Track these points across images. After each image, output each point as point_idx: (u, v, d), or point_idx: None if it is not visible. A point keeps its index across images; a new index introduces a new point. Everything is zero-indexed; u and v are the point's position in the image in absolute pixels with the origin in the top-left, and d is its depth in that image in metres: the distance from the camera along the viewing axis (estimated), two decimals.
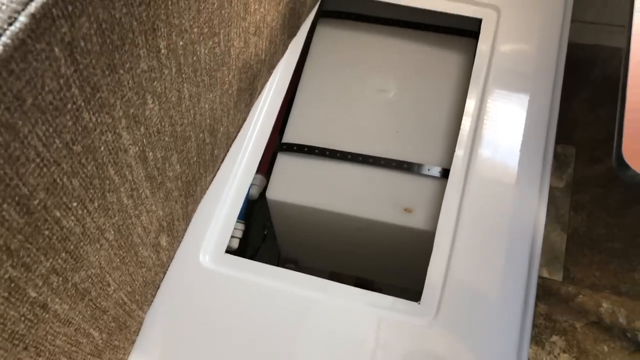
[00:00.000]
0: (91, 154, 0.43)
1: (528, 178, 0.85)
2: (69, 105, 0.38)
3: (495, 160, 0.86)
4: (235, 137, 0.88)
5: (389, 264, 1.01)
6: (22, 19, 0.31)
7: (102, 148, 0.44)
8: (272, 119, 0.92)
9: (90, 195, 0.45)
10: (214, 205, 0.83)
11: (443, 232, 0.81)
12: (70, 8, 0.33)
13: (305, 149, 0.96)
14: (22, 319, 0.42)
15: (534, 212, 0.82)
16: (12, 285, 0.39)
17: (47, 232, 0.41)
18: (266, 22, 0.75)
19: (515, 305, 0.75)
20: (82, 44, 0.36)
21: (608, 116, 1.31)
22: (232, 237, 0.88)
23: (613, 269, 1.14)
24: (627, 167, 0.52)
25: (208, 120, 0.69)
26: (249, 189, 0.92)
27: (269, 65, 0.88)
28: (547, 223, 1.21)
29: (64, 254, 0.45)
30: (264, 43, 0.77)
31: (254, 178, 0.95)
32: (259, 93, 0.91)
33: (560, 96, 0.94)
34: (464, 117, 0.90)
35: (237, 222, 0.88)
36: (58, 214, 0.41)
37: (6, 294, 0.39)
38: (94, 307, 0.55)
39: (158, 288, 0.76)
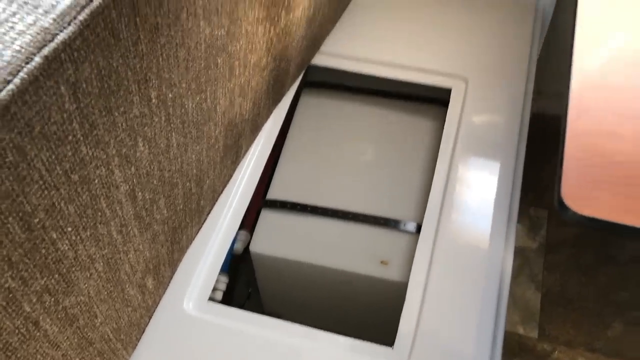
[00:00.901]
0: (86, 185, 0.49)
1: (493, 235, 0.91)
2: (70, 137, 0.44)
3: (464, 219, 0.92)
4: (221, 192, 0.95)
5: (369, 317, 1.05)
6: (37, 59, 0.38)
7: (96, 181, 0.51)
8: (256, 177, 0.99)
9: (84, 224, 0.51)
10: (199, 254, 0.88)
11: (415, 284, 0.86)
12: (75, 54, 0.41)
13: (289, 205, 1.02)
14: (16, 331, 0.47)
15: (500, 266, 0.87)
16: (10, 296, 0.45)
17: (43, 251, 0.47)
18: (250, 86, 0.83)
19: (482, 356, 0.79)
20: (84, 85, 0.43)
21: None
22: (216, 289, 0.93)
23: (587, 326, 1.17)
24: (566, 208, 0.58)
25: (195, 171, 0.75)
26: (234, 244, 0.98)
27: (253, 126, 0.96)
28: (522, 282, 1.26)
29: (57, 276, 0.50)
30: (248, 104, 0.85)
31: (239, 234, 1.01)
32: (245, 152, 0.99)
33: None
34: (434, 178, 0.97)
35: (221, 274, 0.93)
36: (54, 235, 0.47)
37: (4, 303, 0.44)
38: (81, 336, 0.60)
39: (143, 332, 0.80)
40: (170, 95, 0.58)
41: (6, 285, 0.44)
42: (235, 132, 0.87)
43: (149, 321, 0.82)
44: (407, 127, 1.11)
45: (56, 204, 0.46)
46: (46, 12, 0.39)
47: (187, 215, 0.81)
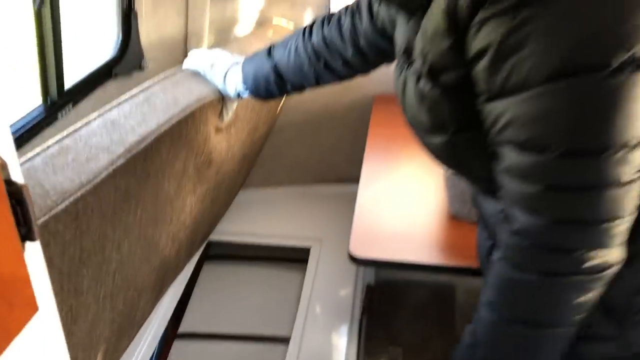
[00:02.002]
0: (110, 245, 0.91)
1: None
2: (108, 216, 0.88)
3: (318, 337, 1.36)
4: (145, 319, 1.32)
5: None
6: (109, 171, 0.84)
7: (109, 253, 0.92)
8: (168, 316, 1.39)
9: (110, 260, 0.91)
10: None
11: None
12: (116, 179, 0.87)
13: (197, 336, 1.41)
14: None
15: None
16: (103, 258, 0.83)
17: (107, 254, 0.87)
18: (178, 237, 1.29)
19: None
20: (118, 192, 0.89)
21: (425, 323, 1.87)
22: None
23: None
24: (354, 257, 1.07)
25: (139, 284, 1.15)
26: None
27: (172, 275, 1.38)
28: None
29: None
30: (172, 253, 1.29)
31: None
32: (164, 294, 1.39)
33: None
34: (299, 310, 1.43)
35: None
36: (110, 246, 0.87)
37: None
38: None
39: None
40: (144, 217, 1.03)
41: (108, 256, 0.83)
42: (163, 272, 1.29)
43: None
44: (284, 278, 1.60)
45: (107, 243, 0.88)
46: (111, 157, 0.87)
47: (129, 323, 1.18)
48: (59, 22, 1.09)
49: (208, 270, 1.62)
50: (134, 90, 1.04)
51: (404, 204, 1.24)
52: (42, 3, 1.01)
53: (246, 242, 1.64)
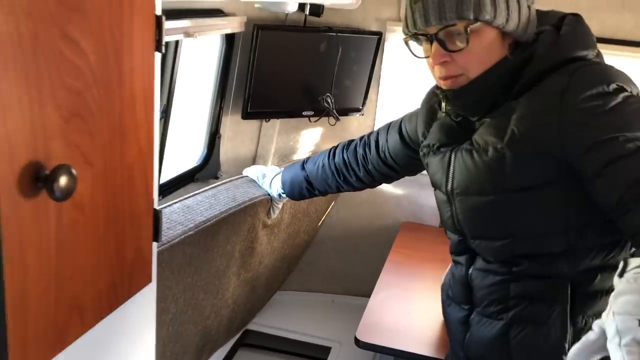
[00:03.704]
0: (164, 303, 1.26)
1: None
2: (175, 274, 1.24)
3: None
4: None
5: None
6: (196, 230, 1.22)
7: (169, 303, 1.27)
8: None
9: (162, 317, 1.26)
10: None
11: None
12: (192, 240, 1.25)
13: None
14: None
15: None
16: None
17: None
18: (220, 313, 1.62)
19: None
20: (193, 258, 1.26)
21: None
22: None
23: None
24: (359, 341, 1.35)
25: (184, 340, 1.48)
26: None
27: (212, 347, 1.70)
28: None
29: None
30: (214, 324, 1.63)
31: None
32: None
33: None
34: None
35: None
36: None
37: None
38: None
39: None
40: (198, 282, 1.39)
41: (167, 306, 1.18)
42: (204, 340, 1.61)
43: None
44: None
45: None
46: (184, 229, 1.25)
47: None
48: (167, 134, 1.54)
49: (241, 355, 1.92)
50: (206, 187, 1.46)
51: (409, 307, 1.55)
52: (160, 119, 1.46)
53: (278, 335, 1.95)
